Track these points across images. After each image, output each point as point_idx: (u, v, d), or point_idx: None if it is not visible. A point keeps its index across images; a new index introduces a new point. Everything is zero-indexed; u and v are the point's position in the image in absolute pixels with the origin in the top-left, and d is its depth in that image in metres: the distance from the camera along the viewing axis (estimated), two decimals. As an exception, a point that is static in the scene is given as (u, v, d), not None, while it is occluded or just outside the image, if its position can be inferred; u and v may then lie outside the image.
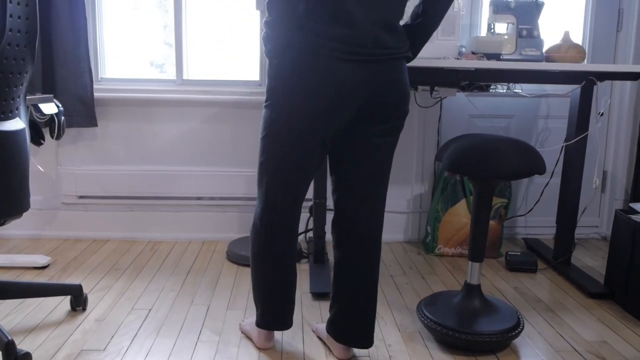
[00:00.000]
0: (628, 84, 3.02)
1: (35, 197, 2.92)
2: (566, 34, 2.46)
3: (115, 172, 2.89)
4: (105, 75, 2.95)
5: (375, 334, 1.93)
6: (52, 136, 2.15)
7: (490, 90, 2.74)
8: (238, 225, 2.99)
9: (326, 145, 1.58)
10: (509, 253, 2.65)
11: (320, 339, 1.89)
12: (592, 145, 3.07)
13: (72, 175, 2.88)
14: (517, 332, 1.82)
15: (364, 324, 1.71)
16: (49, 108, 2.10)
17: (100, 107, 2.85)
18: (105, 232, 2.96)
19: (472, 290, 1.92)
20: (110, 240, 2.94)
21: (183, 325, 1.97)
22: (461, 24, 2.68)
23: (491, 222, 2.77)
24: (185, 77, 2.93)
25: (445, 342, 1.86)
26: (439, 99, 2.92)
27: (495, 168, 1.72)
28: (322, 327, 1.88)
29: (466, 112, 3.01)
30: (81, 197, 2.91)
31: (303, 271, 2.54)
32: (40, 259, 2.50)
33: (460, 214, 2.77)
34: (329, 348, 1.82)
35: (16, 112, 1.67)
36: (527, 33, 2.47)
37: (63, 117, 2.17)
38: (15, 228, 2.93)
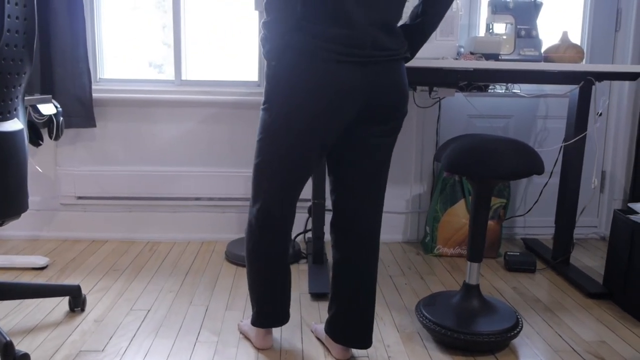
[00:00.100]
0: (626, 84, 3.02)
1: (33, 197, 2.91)
2: (564, 34, 2.46)
3: (114, 172, 2.89)
4: (103, 75, 2.95)
5: (374, 335, 1.93)
6: (50, 137, 2.15)
7: (489, 91, 2.74)
8: (237, 225, 2.99)
9: (325, 146, 1.57)
10: (508, 253, 2.65)
11: (318, 339, 1.89)
12: (591, 146, 3.07)
13: (71, 175, 2.88)
14: (515, 332, 1.82)
15: (362, 325, 1.71)
16: (48, 109, 2.10)
17: (98, 108, 2.85)
18: (104, 233, 2.96)
19: (470, 290, 1.92)
20: (109, 241, 2.94)
21: (182, 326, 1.97)
22: (460, 24, 2.68)
23: (490, 222, 2.77)
24: (184, 77, 2.93)
25: (444, 342, 1.86)
26: (438, 99, 2.92)
27: (493, 168, 1.72)
28: (320, 327, 1.88)
29: (465, 112, 3.01)
30: (80, 197, 2.91)
31: (302, 271, 2.53)
32: (39, 260, 2.50)
33: (459, 214, 2.77)
34: (327, 348, 1.82)
35: (14, 112, 1.67)
36: (525, 33, 2.48)
37: (62, 118, 2.16)
38: (13, 229, 2.93)
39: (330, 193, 1.75)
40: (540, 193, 3.10)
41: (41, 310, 2.06)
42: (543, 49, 2.48)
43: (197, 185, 2.91)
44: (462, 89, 2.54)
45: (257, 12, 2.80)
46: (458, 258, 2.80)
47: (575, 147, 2.50)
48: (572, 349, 1.87)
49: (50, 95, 2.52)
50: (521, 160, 1.74)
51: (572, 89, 2.49)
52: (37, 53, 2.66)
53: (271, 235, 1.68)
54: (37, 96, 2.10)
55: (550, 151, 3.06)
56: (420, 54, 2.36)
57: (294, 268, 2.58)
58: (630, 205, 2.26)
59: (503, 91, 2.94)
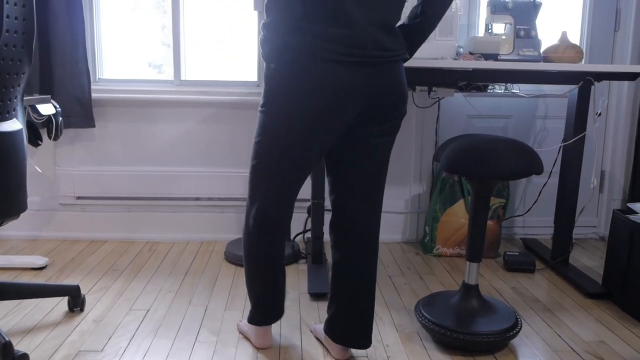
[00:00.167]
0: (625, 84, 3.02)
1: (32, 198, 2.91)
2: (564, 34, 2.46)
3: (113, 172, 2.89)
4: (103, 75, 2.95)
5: (373, 334, 1.93)
6: (49, 137, 2.15)
7: (488, 91, 2.74)
8: (236, 225, 2.99)
9: (325, 147, 1.57)
10: (507, 253, 2.66)
11: (318, 339, 1.89)
12: (590, 146, 3.08)
13: (70, 176, 2.87)
14: (515, 332, 1.82)
15: (362, 325, 1.71)
16: (47, 109, 2.10)
17: (98, 108, 2.84)
18: (103, 233, 2.96)
19: (470, 290, 1.92)
20: (108, 241, 2.94)
21: (181, 326, 1.97)
22: (459, 24, 2.68)
23: (489, 222, 2.77)
24: (183, 77, 2.93)
25: (443, 342, 1.86)
26: (437, 99, 2.92)
27: (493, 168, 1.72)
28: (319, 327, 1.88)
29: (464, 112, 3.01)
30: (79, 197, 2.91)
31: (301, 272, 2.53)
32: (38, 260, 2.50)
33: (459, 214, 2.77)
34: (326, 348, 1.82)
35: (13, 112, 1.66)
36: (524, 33, 2.48)
37: (61, 118, 2.16)
38: (12, 229, 2.93)
39: (329, 193, 1.75)
40: (540, 193, 3.10)
41: (40, 310, 2.06)
42: (542, 49, 2.48)
43: (197, 186, 2.91)
44: (461, 89, 2.55)
45: (256, 13, 2.80)
46: (457, 258, 2.80)
47: (575, 147, 2.50)
48: (571, 349, 1.87)
49: (50, 96, 2.52)
50: (520, 160, 1.74)
51: (571, 89, 2.49)
52: (36, 53, 2.65)
53: (270, 237, 1.68)
54: (36, 96, 2.10)
55: (550, 151, 3.06)
56: (420, 54, 2.37)
57: (293, 268, 2.58)
58: (630, 205, 2.26)
59: (502, 91, 2.94)
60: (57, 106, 2.16)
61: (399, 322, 2.04)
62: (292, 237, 2.92)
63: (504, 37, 2.51)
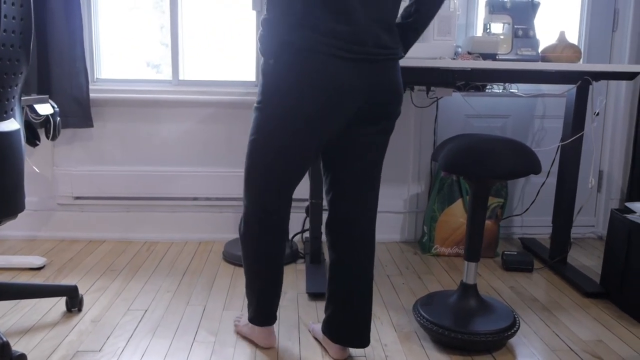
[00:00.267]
0: (623, 83, 3.02)
1: (30, 198, 2.91)
2: (562, 34, 2.46)
3: (111, 172, 2.88)
4: (101, 75, 2.94)
5: (371, 334, 1.93)
6: (47, 137, 2.15)
7: (486, 90, 2.74)
8: (234, 225, 2.99)
9: (322, 145, 1.57)
10: (505, 253, 2.66)
11: (316, 339, 1.89)
12: (588, 145, 3.08)
13: (68, 176, 2.87)
14: (513, 331, 1.82)
15: (360, 324, 1.71)
16: (45, 109, 2.10)
17: (96, 108, 2.84)
18: (101, 233, 2.95)
19: (468, 289, 1.92)
20: (106, 241, 2.94)
21: (179, 326, 1.97)
22: (457, 24, 2.68)
23: (487, 222, 2.77)
24: (181, 77, 2.93)
25: (442, 341, 1.86)
26: (435, 99, 2.92)
27: (491, 168, 1.72)
28: (317, 327, 1.87)
29: (462, 112, 3.02)
30: (77, 197, 2.91)
31: (299, 271, 2.53)
32: (36, 260, 2.49)
33: (457, 214, 2.77)
34: (325, 348, 1.82)
35: (11, 112, 1.66)
36: (522, 33, 2.48)
37: (58, 118, 2.16)
38: (10, 229, 2.92)
39: (325, 193, 1.74)
40: (538, 193, 3.11)
41: (38, 310, 2.06)
42: (540, 49, 2.48)
43: (195, 185, 2.91)
44: (459, 89, 2.55)
45: (254, 12, 2.80)
46: (455, 257, 2.80)
47: (573, 147, 2.51)
48: (570, 348, 1.87)
49: (47, 95, 2.52)
50: (518, 159, 1.74)
51: (570, 89, 2.50)
52: (34, 53, 2.65)
53: (271, 237, 1.68)
54: (34, 96, 2.09)
55: (548, 151, 3.06)
56: (418, 53, 2.37)
57: (291, 268, 2.58)
58: (628, 204, 2.26)
59: (500, 91, 2.94)
60: (55, 106, 2.15)
61: (397, 321, 2.04)
62: (290, 237, 2.92)
63: (502, 37, 2.51)
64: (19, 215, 2.89)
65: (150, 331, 1.92)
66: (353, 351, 1.80)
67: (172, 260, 2.66)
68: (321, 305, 2.17)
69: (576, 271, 2.54)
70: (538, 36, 2.49)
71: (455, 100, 2.99)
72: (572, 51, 2.40)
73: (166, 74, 2.98)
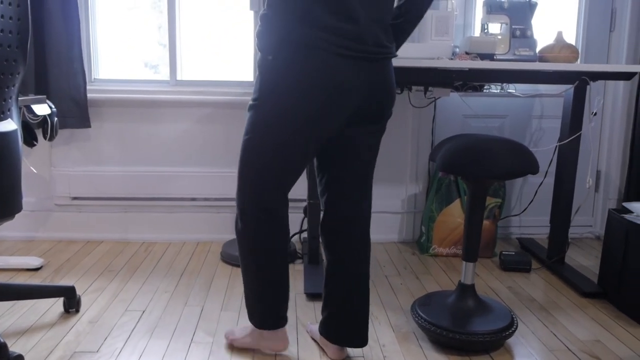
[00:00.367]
0: (621, 83, 3.03)
1: (28, 198, 2.90)
2: (559, 34, 2.46)
3: (109, 173, 2.88)
4: (98, 76, 2.94)
5: (369, 334, 1.93)
6: (45, 137, 2.14)
7: (484, 91, 2.74)
8: (232, 226, 2.98)
9: (320, 143, 1.56)
10: (503, 253, 2.66)
11: (313, 339, 1.88)
12: (586, 145, 3.08)
13: (66, 176, 2.87)
14: (510, 331, 1.82)
15: (357, 324, 1.71)
16: (42, 109, 2.09)
17: (93, 108, 2.84)
18: (99, 234, 2.95)
19: (466, 290, 1.92)
20: (104, 241, 2.93)
21: (177, 327, 1.97)
22: (455, 24, 2.68)
23: (485, 222, 2.77)
24: (179, 77, 2.92)
25: (440, 342, 1.86)
26: (433, 99, 2.92)
27: (488, 168, 1.72)
28: (315, 328, 1.87)
29: (460, 112, 3.02)
30: (74, 198, 2.90)
31: (297, 272, 2.53)
32: (34, 261, 2.49)
33: (455, 214, 2.77)
34: (322, 349, 1.81)
35: (8, 113, 1.66)
36: (520, 33, 2.48)
37: (56, 118, 2.16)
38: (8, 230, 2.92)
39: (320, 193, 1.73)
40: (536, 193, 3.11)
41: (35, 311, 2.06)
42: (538, 49, 2.48)
43: (193, 186, 2.90)
44: (457, 89, 2.55)
45: (252, 13, 2.80)
46: (453, 258, 2.80)
47: (570, 147, 2.51)
48: (567, 348, 1.87)
49: (45, 96, 2.51)
50: (516, 160, 1.74)
51: (567, 89, 2.50)
52: (31, 53, 2.65)
53: (272, 233, 1.62)
54: (32, 96, 2.09)
55: (546, 151, 3.07)
56: (416, 53, 2.37)
57: (289, 268, 2.57)
58: (625, 204, 2.27)
59: (498, 91, 2.94)
60: (53, 106, 2.15)
61: (395, 322, 2.04)
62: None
63: (499, 37, 2.51)
64: (17, 216, 2.89)
65: (148, 332, 1.92)
66: (351, 351, 1.80)
67: (170, 260, 2.66)
68: (319, 306, 2.17)
69: (574, 271, 2.54)
70: (535, 36, 2.50)
71: (453, 101, 2.99)
72: (569, 51, 2.40)
73: (164, 74, 2.98)
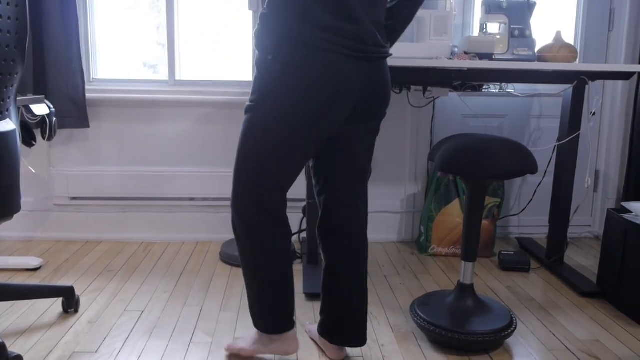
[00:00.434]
0: (620, 83, 3.03)
1: (27, 198, 2.90)
2: (558, 34, 2.47)
3: (108, 173, 2.88)
4: (97, 75, 2.94)
5: (368, 334, 1.93)
6: (43, 137, 2.14)
7: (483, 90, 2.75)
8: (231, 226, 2.97)
9: (320, 142, 1.56)
10: (502, 252, 2.66)
11: (312, 339, 1.88)
12: (585, 145, 3.08)
13: (64, 176, 2.86)
14: (510, 331, 1.82)
15: (357, 324, 1.71)
16: (40, 109, 2.09)
17: (92, 108, 2.83)
18: (98, 234, 2.95)
19: (465, 290, 1.93)
20: (103, 241, 2.93)
21: (176, 327, 1.96)
22: (453, 24, 2.68)
23: (484, 222, 2.77)
24: (177, 77, 2.92)
25: (439, 341, 1.86)
26: (432, 99, 2.92)
27: (487, 168, 1.72)
28: (314, 328, 1.87)
29: (459, 112, 3.02)
30: (73, 198, 2.90)
31: (296, 272, 2.53)
32: (32, 261, 2.48)
33: (454, 214, 2.77)
34: (322, 349, 1.81)
35: (6, 113, 1.66)
36: (519, 33, 2.48)
37: (55, 118, 2.15)
38: (6, 230, 2.91)
39: (317, 195, 1.72)
40: (535, 192, 3.11)
41: (34, 311, 2.05)
42: (537, 49, 2.48)
43: (192, 186, 2.90)
44: (456, 89, 2.55)
45: (250, 12, 2.80)
46: (452, 258, 2.80)
47: (569, 147, 2.51)
48: (566, 347, 1.87)
49: (43, 96, 2.51)
50: (515, 159, 1.74)
51: (566, 89, 2.50)
52: (29, 53, 2.64)
53: (280, 230, 1.59)
54: (30, 96, 2.08)
55: (544, 151, 3.07)
56: (415, 53, 2.37)
57: (288, 268, 2.58)
58: (624, 204, 2.27)
59: (497, 91, 2.94)
60: (51, 106, 2.15)
61: (395, 321, 2.04)
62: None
63: (498, 37, 2.51)
64: (15, 216, 2.89)
65: (147, 332, 1.92)
66: (350, 351, 1.80)
67: (168, 260, 2.66)
68: (318, 306, 2.17)
69: (573, 271, 2.54)
70: (534, 36, 2.50)
71: (451, 100, 2.99)
72: (568, 51, 2.40)
73: (162, 74, 2.98)
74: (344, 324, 1.70)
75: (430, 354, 1.80)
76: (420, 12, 2.45)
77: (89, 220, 2.93)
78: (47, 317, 2.01)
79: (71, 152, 2.88)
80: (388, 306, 2.18)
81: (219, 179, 2.90)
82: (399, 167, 3.00)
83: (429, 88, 2.73)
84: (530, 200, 3.11)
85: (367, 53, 1.49)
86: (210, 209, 2.96)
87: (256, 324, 1.68)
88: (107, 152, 2.89)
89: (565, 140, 2.51)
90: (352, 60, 1.47)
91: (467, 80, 2.36)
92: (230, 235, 2.98)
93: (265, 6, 1.45)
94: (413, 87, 2.87)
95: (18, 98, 1.92)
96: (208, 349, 1.81)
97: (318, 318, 2.06)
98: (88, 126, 2.79)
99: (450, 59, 2.35)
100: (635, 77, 2.98)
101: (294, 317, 1.69)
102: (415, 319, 1.89)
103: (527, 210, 3.14)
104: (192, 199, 2.94)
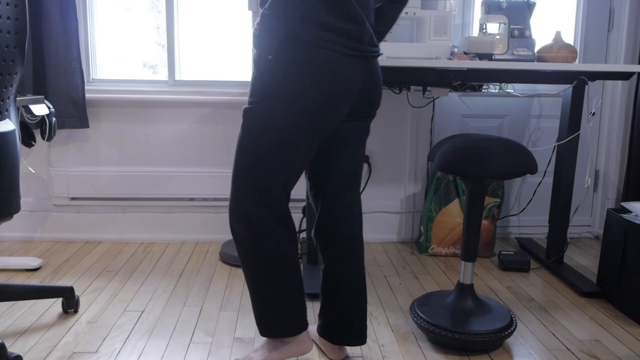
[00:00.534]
0: (619, 83, 3.03)
1: (26, 199, 2.90)
2: (557, 34, 2.47)
3: (107, 173, 2.87)
4: (97, 76, 2.94)
5: (368, 334, 1.93)
6: (43, 137, 2.14)
7: (483, 90, 2.75)
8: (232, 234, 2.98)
9: (321, 141, 1.56)
10: (502, 252, 2.66)
11: (312, 340, 1.88)
12: (584, 145, 3.09)
13: (64, 176, 2.86)
14: (509, 331, 1.82)
15: (357, 323, 1.71)
16: (40, 109, 2.09)
17: (91, 108, 2.83)
18: (98, 234, 2.94)
19: (465, 290, 1.92)
20: (103, 242, 2.93)
21: (176, 327, 1.96)
22: (453, 24, 2.68)
23: (484, 222, 2.77)
24: (177, 77, 2.92)
25: (439, 342, 1.86)
26: (432, 99, 2.92)
27: (486, 168, 1.72)
28: (313, 329, 1.87)
29: (459, 112, 3.02)
30: (73, 198, 2.90)
31: (296, 272, 2.53)
32: (32, 261, 2.48)
33: (454, 214, 2.77)
34: (322, 350, 1.81)
35: (6, 113, 1.66)
36: (518, 33, 2.48)
37: (54, 118, 2.15)
38: (6, 230, 2.91)
39: (313, 195, 1.71)
40: (534, 192, 3.11)
41: (34, 311, 2.05)
42: (536, 49, 2.48)
43: (191, 186, 2.90)
44: (456, 89, 2.55)
45: (250, 13, 2.80)
46: (452, 258, 2.80)
47: (569, 147, 2.51)
48: (566, 347, 1.87)
49: (43, 96, 2.50)
50: (514, 159, 1.74)
51: (565, 89, 2.50)
52: (29, 53, 2.64)
53: (288, 231, 1.58)
54: (30, 97, 2.09)
55: (544, 150, 3.07)
56: (414, 53, 2.37)
57: (288, 268, 2.58)
58: (624, 204, 2.27)
59: (497, 91, 2.94)
60: (51, 106, 2.15)
61: (394, 322, 2.04)
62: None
63: (498, 37, 2.51)
64: (15, 216, 2.89)
65: (146, 332, 1.92)
66: (350, 352, 1.80)
67: (168, 261, 2.65)
68: (318, 306, 2.16)
69: (573, 271, 2.54)
70: (534, 36, 2.50)
71: (451, 100, 3.00)
72: (567, 51, 2.40)
73: (162, 74, 2.98)
74: (344, 324, 1.70)
75: (430, 354, 1.80)
76: (420, 12, 2.45)
77: (88, 221, 2.93)
78: (46, 317, 2.01)
79: (71, 153, 2.88)
80: (388, 306, 2.18)
81: (219, 179, 2.90)
82: (399, 167, 3.00)
83: (428, 88, 2.73)
84: (530, 200, 3.12)
85: (365, 52, 1.52)
86: (210, 209, 2.96)
87: (267, 331, 1.62)
88: (106, 152, 2.89)
89: (565, 140, 2.51)
90: (352, 59, 1.50)
91: (467, 81, 2.36)
92: (229, 235, 2.98)
93: (266, 6, 1.44)
94: (413, 87, 2.87)
95: (17, 98, 1.92)
96: (208, 349, 1.81)
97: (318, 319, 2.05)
98: (88, 126, 2.79)
99: (450, 59, 2.35)
100: (634, 77, 2.98)
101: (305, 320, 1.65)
102: (415, 319, 1.89)
103: (527, 210, 3.14)
104: (192, 199, 2.94)
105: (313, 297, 2.25)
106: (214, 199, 2.94)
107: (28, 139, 2.05)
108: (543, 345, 1.88)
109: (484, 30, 2.56)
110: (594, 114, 3.10)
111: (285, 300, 1.59)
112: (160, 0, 2.89)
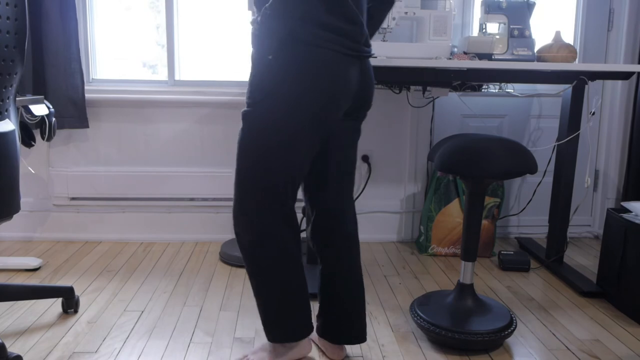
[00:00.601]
0: (619, 83, 3.03)
1: (26, 199, 2.90)
2: (557, 34, 2.47)
3: (107, 173, 2.87)
4: (96, 76, 2.94)
5: (368, 334, 1.93)
6: (43, 137, 2.14)
7: (483, 90, 2.75)
8: (231, 226, 2.98)
9: (322, 141, 1.56)
10: (502, 252, 2.66)
11: (312, 340, 1.88)
12: (584, 145, 3.09)
13: (64, 176, 2.86)
14: (509, 331, 1.82)
15: (357, 322, 1.71)
16: (40, 109, 2.09)
17: (91, 108, 2.83)
18: (97, 234, 2.94)
19: (465, 289, 1.92)
20: (103, 242, 2.93)
21: (175, 327, 1.96)
22: (453, 24, 2.68)
23: (484, 222, 2.77)
24: (177, 77, 2.92)
25: (439, 341, 1.86)
26: (432, 98, 2.92)
27: (486, 168, 1.72)
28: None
29: (458, 112, 3.02)
30: (73, 198, 2.90)
31: (296, 272, 2.53)
32: (32, 261, 2.48)
33: (453, 214, 2.77)
34: (321, 350, 1.81)
35: (6, 113, 1.66)
36: (518, 33, 2.48)
37: (54, 119, 2.15)
38: (6, 230, 2.91)
39: (310, 196, 1.71)
40: (534, 192, 3.11)
41: (34, 312, 2.05)
42: (536, 49, 2.49)
43: (191, 186, 2.90)
44: (455, 89, 2.55)
45: (250, 13, 2.80)
46: (452, 257, 2.80)
47: (569, 146, 2.51)
48: (566, 347, 1.87)
49: (43, 96, 2.50)
50: (514, 159, 1.74)
51: (565, 89, 2.50)
52: (29, 53, 2.64)
53: (294, 233, 1.59)
54: (29, 97, 2.08)
55: (544, 150, 3.07)
56: (414, 53, 2.37)
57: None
58: (624, 204, 2.27)
59: (496, 91, 2.94)
60: (50, 107, 2.15)
61: (394, 321, 2.04)
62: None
63: (497, 37, 2.51)
64: (15, 216, 2.89)
65: (146, 332, 1.92)
66: (350, 351, 1.80)
67: (168, 261, 2.65)
68: (316, 307, 2.16)
69: (573, 270, 2.54)
70: (534, 36, 2.50)
71: (451, 100, 3.00)
72: (567, 51, 2.40)
73: (162, 74, 2.98)
74: (344, 324, 1.70)
75: (430, 354, 1.80)
76: (420, 12, 2.45)
77: (88, 221, 2.93)
78: (46, 317, 2.01)
79: (70, 153, 2.88)
80: (388, 306, 2.18)
81: (219, 179, 2.90)
82: (399, 167, 3.00)
83: (428, 88, 2.73)
84: (530, 200, 3.12)
85: (360, 52, 1.54)
86: (210, 209, 2.96)
87: (276, 336, 1.62)
88: (106, 152, 2.89)
89: (565, 140, 2.51)
90: (350, 58, 1.51)
91: (467, 80, 2.36)
92: (230, 235, 2.98)
93: (266, 6, 1.44)
94: (413, 87, 2.87)
95: (17, 98, 1.92)
96: (208, 349, 1.81)
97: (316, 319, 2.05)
98: (87, 126, 2.79)
99: (450, 59, 2.35)
100: (634, 77, 2.98)
101: (310, 325, 1.66)
102: (415, 318, 1.89)
103: (526, 210, 3.14)
104: (192, 199, 2.94)
105: (312, 297, 2.25)
106: (214, 199, 2.94)
107: (28, 139, 2.05)
108: (543, 345, 1.88)
109: (484, 30, 2.56)
110: (593, 113, 3.10)
111: (294, 304, 1.59)
112: (160, 0, 2.89)
